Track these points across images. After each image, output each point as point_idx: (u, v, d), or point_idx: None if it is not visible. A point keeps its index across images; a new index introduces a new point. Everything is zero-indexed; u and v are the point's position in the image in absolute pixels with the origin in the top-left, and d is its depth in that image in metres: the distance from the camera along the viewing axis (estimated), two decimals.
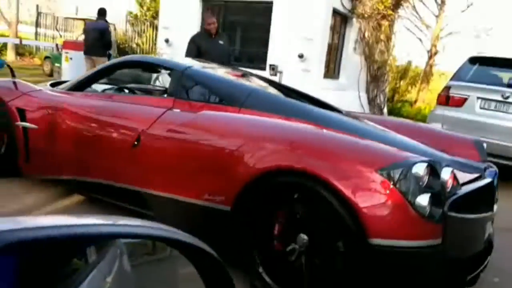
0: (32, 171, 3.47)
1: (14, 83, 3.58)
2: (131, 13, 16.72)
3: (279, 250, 2.24)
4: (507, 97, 5.96)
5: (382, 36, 10.57)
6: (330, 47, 9.31)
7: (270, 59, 8.86)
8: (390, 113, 12.25)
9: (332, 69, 9.87)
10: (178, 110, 2.85)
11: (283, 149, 2.28)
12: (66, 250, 0.66)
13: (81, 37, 14.97)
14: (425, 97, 15.48)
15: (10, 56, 15.94)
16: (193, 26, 9.66)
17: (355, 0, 9.53)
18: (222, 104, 2.88)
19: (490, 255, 2.57)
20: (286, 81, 8.16)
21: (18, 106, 3.40)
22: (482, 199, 2.46)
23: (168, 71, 3.24)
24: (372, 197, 1.98)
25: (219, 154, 2.44)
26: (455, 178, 2.18)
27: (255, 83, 3.53)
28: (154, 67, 3.68)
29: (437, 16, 16.34)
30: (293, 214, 2.24)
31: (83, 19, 15.15)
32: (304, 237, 2.15)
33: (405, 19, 11.17)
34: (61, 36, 14.96)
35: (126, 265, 0.84)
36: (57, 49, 12.45)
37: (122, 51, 13.14)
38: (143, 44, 14.38)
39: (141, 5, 16.20)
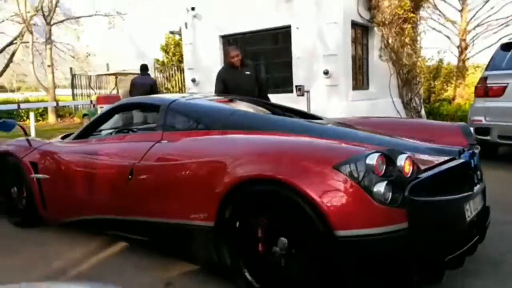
0: (51, 217, 3.76)
1: (27, 140, 3.99)
2: (158, 60, 17.32)
3: (263, 254, 2.36)
4: None
5: (407, 40, 10.37)
6: (354, 58, 9.22)
7: (296, 81, 8.86)
8: (430, 114, 11.87)
9: (360, 80, 9.74)
10: (165, 141, 3.05)
11: (252, 160, 2.41)
12: None
13: (114, 91, 15.62)
14: (463, 93, 14.97)
15: (51, 119, 16.77)
16: (216, 63, 9.87)
17: (373, 9, 9.45)
18: (205, 129, 3.05)
19: (482, 235, 2.64)
20: (314, 99, 8.12)
21: (31, 160, 3.77)
22: (455, 181, 2.52)
23: (157, 108, 3.39)
24: (331, 192, 2.09)
25: (197, 175, 2.62)
26: (414, 163, 2.23)
27: (239, 106, 3.61)
28: (145, 106, 3.89)
29: (460, 11, 15.96)
30: (273, 219, 2.35)
31: (114, 74, 15.83)
32: (284, 240, 2.26)
33: (428, 19, 10.95)
34: (95, 93, 15.63)
35: None
36: (93, 105, 12.97)
37: None
38: (172, 88, 14.78)
39: (166, 52, 16.77)
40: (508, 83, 6.00)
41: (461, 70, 14.66)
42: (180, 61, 14.72)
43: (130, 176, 2.98)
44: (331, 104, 8.60)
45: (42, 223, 3.85)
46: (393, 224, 2.08)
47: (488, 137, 6.14)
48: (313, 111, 7.92)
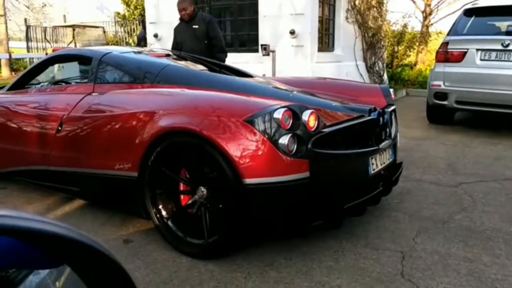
0: None
1: None
2: (118, 13, 16.57)
3: (184, 204, 2.56)
4: (507, 45, 5.77)
5: (374, 2, 10.33)
6: (321, 19, 9.10)
7: (262, 40, 8.70)
8: (391, 78, 12.04)
9: (326, 42, 9.67)
10: (96, 94, 3.11)
11: (172, 113, 2.55)
12: None
13: (71, 45, 14.91)
14: (425, 59, 15.21)
15: (4, 72, 15.92)
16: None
17: None
18: (136, 83, 3.12)
19: (388, 188, 2.93)
20: (279, 59, 8.03)
21: None
22: (360, 136, 2.74)
23: (90, 60, 3.39)
24: (241, 144, 2.27)
25: (122, 126, 2.74)
26: (318, 119, 2.39)
27: (173, 61, 3.62)
28: (80, 58, 3.83)
29: None
30: (191, 170, 2.54)
31: (72, 26, 15.07)
32: (203, 189, 2.44)
33: None
34: (51, 46, 14.87)
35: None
36: None
37: None
38: (134, 43, 14.24)
39: (127, 5, 16.03)
40: (468, 49, 6.11)
41: (424, 36, 14.81)
42: (142, 15, 14.13)
43: (59, 128, 3.07)
44: (296, 65, 8.53)
45: None
46: (296, 173, 2.28)
47: (446, 102, 6.29)
48: (278, 71, 7.86)
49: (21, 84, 3.80)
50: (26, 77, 3.84)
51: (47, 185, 3.33)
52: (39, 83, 3.90)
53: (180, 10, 4.99)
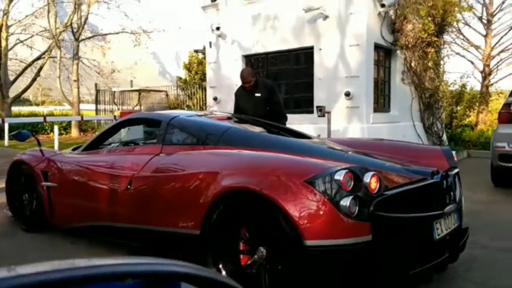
0: (57, 222, 4.01)
1: (41, 150, 4.24)
2: (180, 78, 17.58)
3: (244, 264, 2.55)
4: None
5: (430, 63, 10.33)
6: (376, 81, 9.21)
7: (317, 101, 8.88)
8: (451, 139, 11.72)
9: (381, 103, 9.71)
10: (163, 155, 3.27)
11: (234, 173, 2.66)
12: None
13: (137, 107, 15.89)
14: (486, 119, 14.75)
15: (74, 133, 17.09)
16: (238, 81, 9.94)
17: (397, 32, 9.46)
18: (199, 144, 3.26)
19: (454, 255, 2.82)
20: (334, 120, 8.10)
21: (42, 169, 4.07)
22: (424, 200, 2.68)
23: (159, 123, 3.59)
24: (302, 205, 2.27)
25: (187, 186, 2.84)
26: (380, 181, 2.37)
27: (235, 124, 3.78)
28: (149, 121, 4.10)
29: (485, 36, 15.86)
30: (252, 229, 2.55)
31: (138, 90, 16.13)
32: (262, 249, 2.44)
33: (452, 43, 10.86)
34: (118, 109, 15.91)
35: None
36: (115, 120, 13.19)
37: None
38: (194, 106, 14.95)
39: (189, 70, 17.01)
40: None
41: (484, 96, 14.48)
42: (202, 79, 14.92)
43: (129, 186, 3.22)
44: (351, 126, 8.58)
45: (48, 229, 4.10)
46: (357, 236, 2.25)
47: (511, 164, 6.03)
48: (333, 132, 7.92)
49: (95, 145, 4.09)
50: (100, 138, 4.13)
51: (111, 241, 3.49)
52: (110, 144, 4.18)
53: (245, 83, 5.19)
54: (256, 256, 2.47)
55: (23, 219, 4.31)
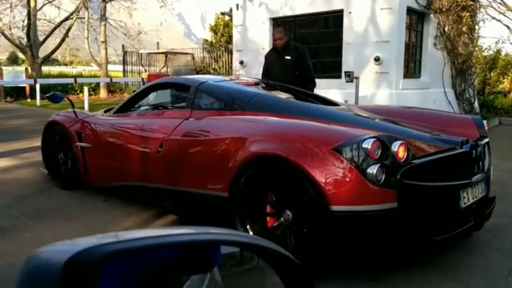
0: (91, 182, 4.19)
1: (74, 112, 4.39)
2: (206, 40, 17.47)
3: (270, 226, 2.62)
4: None
5: (464, 28, 9.97)
6: (407, 46, 8.97)
7: (345, 66, 8.75)
8: (483, 106, 11.45)
9: (412, 68, 9.49)
10: (193, 119, 3.35)
11: (262, 140, 2.71)
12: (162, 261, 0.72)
13: (164, 69, 15.97)
14: None
15: (103, 94, 17.37)
16: (265, 45, 9.88)
17: None
18: (228, 110, 3.32)
19: (480, 223, 2.83)
20: (363, 85, 8.00)
21: (76, 130, 4.22)
22: (452, 169, 2.68)
23: (187, 88, 3.66)
24: (329, 172, 2.32)
25: (216, 150, 2.93)
26: (408, 150, 2.40)
27: (262, 90, 3.78)
28: (178, 86, 4.17)
29: None
30: (279, 193, 2.61)
31: (165, 53, 16.15)
32: (288, 213, 2.49)
33: (488, 7, 10.37)
34: (145, 70, 16.02)
35: (217, 276, 0.87)
36: (143, 83, 13.33)
37: None
38: (219, 68, 14.91)
39: (215, 32, 16.86)
40: None
41: None
42: (228, 42, 14.79)
43: (160, 149, 3.33)
44: (380, 92, 8.46)
45: (82, 187, 4.28)
46: (383, 203, 2.29)
47: None
48: (361, 98, 7.83)
49: (127, 107, 4.19)
50: (131, 101, 4.23)
51: (144, 200, 3.64)
52: (140, 107, 4.27)
53: (275, 39, 5.15)
54: (282, 219, 2.54)
55: (58, 177, 4.49)
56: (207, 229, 0.72)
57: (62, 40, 20.47)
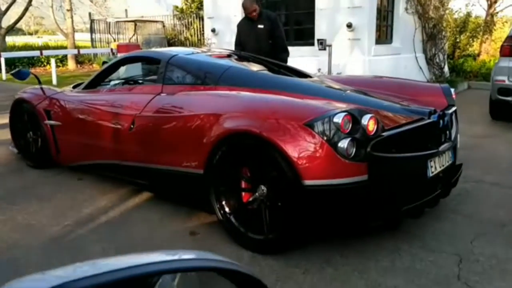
0: (63, 161, 4.16)
1: (42, 89, 4.29)
2: (177, 7, 16.99)
3: (246, 201, 2.68)
4: None
5: None
6: (379, 11, 8.95)
7: (318, 33, 8.70)
8: (452, 70, 11.62)
9: (383, 33, 9.51)
10: (164, 94, 3.32)
11: (235, 116, 2.71)
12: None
13: (133, 38, 15.53)
14: (489, 49, 14.50)
15: (71, 65, 16.87)
16: (237, 12, 9.69)
17: None
18: (200, 84, 3.30)
19: (447, 190, 2.94)
20: (336, 52, 7.99)
21: (44, 108, 4.12)
22: (419, 139, 2.76)
23: (158, 62, 3.60)
24: (301, 146, 2.36)
25: (190, 127, 2.91)
26: (378, 122, 2.44)
27: (235, 63, 3.74)
28: (148, 60, 4.11)
29: None
30: (253, 169, 2.66)
31: (134, 21, 15.67)
32: (263, 187, 2.56)
33: None
34: (114, 39, 15.55)
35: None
36: (113, 53, 12.97)
37: (172, 46, 13.43)
38: (191, 36, 14.60)
39: None
40: None
41: (488, 25, 14.11)
42: (200, 8, 14.42)
43: (132, 126, 3.31)
44: (352, 58, 8.48)
45: (54, 166, 4.23)
46: (354, 176, 2.36)
47: (510, 98, 6.05)
48: (334, 65, 7.84)
49: (96, 83, 4.10)
50: (100, 76, 4.12)
51: (119, 178, 3.61)
52: (110, 82, 4.19)
53: (250, 12, 4.99)
54: (257, 193, 2.59)
55: (29, 156, 4.41)
56: (177, 253, 0.74)
57: (26, 9, 19.59)
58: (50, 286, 0.54)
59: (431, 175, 2.71)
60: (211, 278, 0.97)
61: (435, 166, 2.77)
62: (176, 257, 0.74)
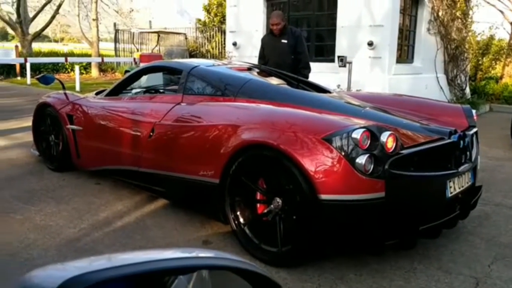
0: (83, 165, 4.22)
1: (65, 94, 4.38)
2: (199, 20, 17.26)
3: (260, 213, 2.68)
4: None
5: (458, 13, 9.96)
6: (401, 30, 8.94)
7: (339, 50, 8.72)
8: (474, 92, 11.50)
9: (405, 53, 9.48)
10: (184, 104, 3.37)
11: (253, 128, 2.72)
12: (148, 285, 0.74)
13: (156, 49, 15.79)
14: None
15: (94, 73, 17.19)
16: (258, 27, 9.79)
17: None
18: (220, 96, 3.34)
19: (465, 212, 2.90)
20: (356, 70, 7.99)
21: (67, 112, 4.21)
22: (439, 159, 2.73)
23: (180, 72, 3.67)
24: (318, 161, 2.36)
25: (208, 137, 2.94)
26: (397, 140, 2.42)
27: (255, 76, 3.78)
28: (170, 70, 4.20)
29: None
30: (269, 181, 2.66)
31: (157, 32, 15.95)
32: (278, 200, 2.55)
33: None
34: (137, 49, 15.83)
35: (204, 273, 0.89)
36: (135, 63, 13.20)
37: (193, 58, 13.61)
38: (212, 49, 14.78)
39: (208, 12, 16.65)
40: None
41: None
42: (222, 22, 14.62)
43: (151, 133, 3.35)
44: (372, 76, 8.46)
45: (73, 170, 4.33)
46: (371, 192, 2.33)
47: None
48: (354, 82, 7.84)
49: (118, 90, 4.17)
50: (122, 84, 4.20)
51: (136, 184, 3.65)
52: (132, 90, 4.26)
53: (273, 24, 5.08)
54: (272, 206, 2.58)
55: (49, 159, 4.49)
56: (194, 251, 0.75)
57: (53, 17, 20.11)
58: (71, 276, 0.55)
59: (450, 195, 2.67)
60: (226, 281, 0.97)
61: (454, 187, 2.73)
62: (193, 255, 0.74)
